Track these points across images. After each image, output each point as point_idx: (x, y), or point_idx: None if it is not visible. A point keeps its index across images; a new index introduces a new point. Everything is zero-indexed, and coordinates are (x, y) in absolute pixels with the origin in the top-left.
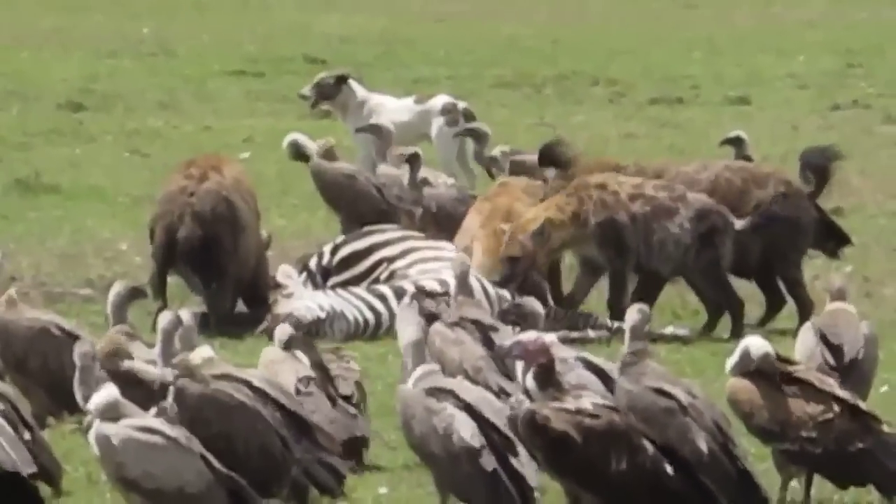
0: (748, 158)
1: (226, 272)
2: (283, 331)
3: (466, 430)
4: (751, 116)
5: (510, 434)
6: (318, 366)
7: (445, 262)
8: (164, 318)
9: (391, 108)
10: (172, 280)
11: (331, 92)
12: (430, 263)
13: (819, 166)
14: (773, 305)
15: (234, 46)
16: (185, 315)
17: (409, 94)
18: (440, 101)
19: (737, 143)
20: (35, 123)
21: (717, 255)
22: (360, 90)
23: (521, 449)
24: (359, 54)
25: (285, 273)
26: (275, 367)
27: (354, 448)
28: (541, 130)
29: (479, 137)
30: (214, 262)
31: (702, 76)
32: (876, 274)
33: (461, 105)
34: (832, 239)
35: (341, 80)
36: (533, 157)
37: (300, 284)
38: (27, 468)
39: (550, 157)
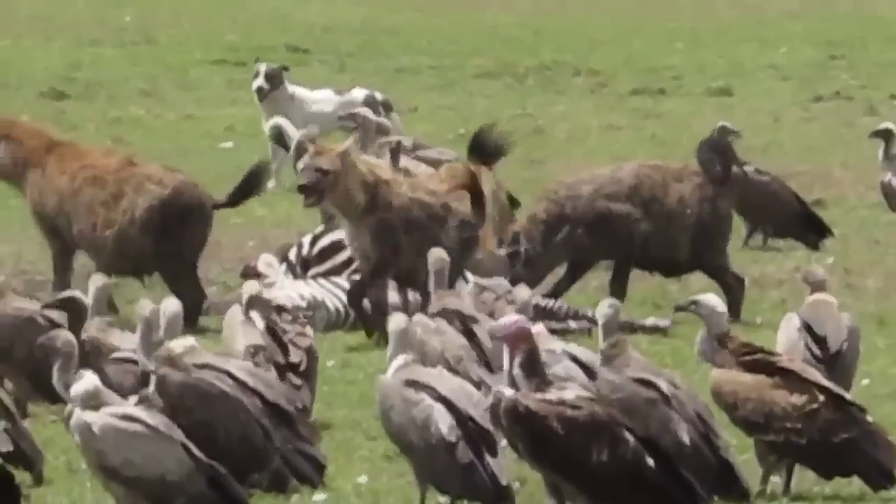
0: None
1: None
2: (249, 288)
3: (444, 423)
4: (732, 107)
5: (488, 426)
6: (271, 332)
7: None
8: (145, 307)
9: (314, 100)
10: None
11: (277, 82)
12: None
13: (717, 148)
14: (734, 294)
15: (215, 35)
16: (171, 304)
17: (389, 84)
18: (361, 93)
19: (721, 133)
20: (17, 112)
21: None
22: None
23: (499, 441)
24: (341, 43)
25: (266, 262)
26: (230, 331)
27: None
28: (523, 121)
29: (367, 128)
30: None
31: (684, 67)
32: (857, 265)
33: (380, 96)
34: (813, 231)
35: (285, 69)
36: (435, 152)
37: (281, 274)
38: (3, 446)
39: (478, 145)
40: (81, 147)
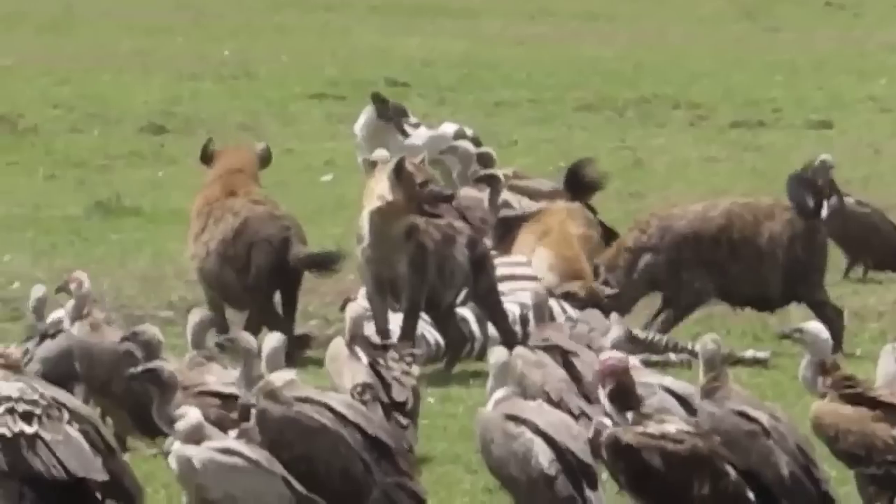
0: (832, 184)
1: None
2: (352, 311)
3: (544, 456)
4: (832, 140)
5: (588, 459)
6: (375, 370)
7: (518, 281)
8: (248, 340)
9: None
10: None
11: (386, 118)
12: (507, 283)
13: (806, 182)
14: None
15: (315, 69)
16: (273, 337)
17: (488, 118)
18: (451, 127)
19: (822, 167)
20: (116, 146)
21: (492, 282)
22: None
23: (599, 474)
24: (440, 77)
25: (364, 296)
26: (335, 365)
27: None
28: (622, 154)
29: (466, 161)
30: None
31: (783, 99)
32: None
33: (469, 132)
34: None
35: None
36: (535, 182)
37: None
38: (99, 476)
39: (574, 179)
40: (229, 179)
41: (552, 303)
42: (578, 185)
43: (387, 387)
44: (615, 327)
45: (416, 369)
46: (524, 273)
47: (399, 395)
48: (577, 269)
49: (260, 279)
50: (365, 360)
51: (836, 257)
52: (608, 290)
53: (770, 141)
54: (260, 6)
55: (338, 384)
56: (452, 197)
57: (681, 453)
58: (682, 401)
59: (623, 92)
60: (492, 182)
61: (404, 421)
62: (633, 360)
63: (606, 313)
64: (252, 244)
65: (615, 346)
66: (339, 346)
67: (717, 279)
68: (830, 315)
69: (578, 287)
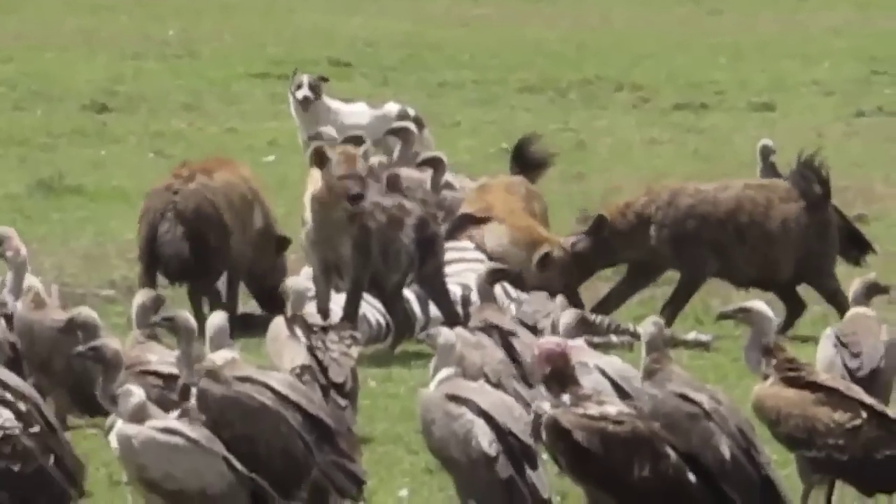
0: (773, 167)
1: (210, 272)
2: (293, 283)
3: (484, 437)
4: (775, 123)
5: (528, 440)
6: (311, 351)
7: (467, 263)
8: (186, 320)
9: (349, 112)
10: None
11: (319, 92)
12: (453, 266)
13: (809, 170)
14: (794, 312)
15: (258, 49)
16: (217, 317)
17: (431, 98)
18: (394, 107)
19: (763, 151)
20: (59, 124)
21: (439, 264)
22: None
23: (539, 455)
24: (384, 58)
25: (308, 276)
26: (276, 346)
27: None
28: (565, 135)
29: (409, 142)
30: (199, 261)
31: (726, 82)
32: None
33: (412, 111)
34: (855, 247)
35: (324, 80)
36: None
37: None
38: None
39: (521, 156)
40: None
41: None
42: (526, 162)
43: (324, 368)
44: (568, 311)
45: (355, 350)
46: (472, 256)
47: (337, 376)
48: (538, 236)
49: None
50: (304, 341)
51: None
52: (574, 239)
53: (713, 123)
54: None
55: (277, 364)
56: (361, 197)
57: (620, 435)
58: (615, 383)
59: (566, 73)
60: (434, 164)
61: (342, 402)
62: (579, 341)
63: (578, 273)
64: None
65: (567, 331)
66: (279, 326)
67: (721, 260)
68: (842, 302)
69: (550, 248)
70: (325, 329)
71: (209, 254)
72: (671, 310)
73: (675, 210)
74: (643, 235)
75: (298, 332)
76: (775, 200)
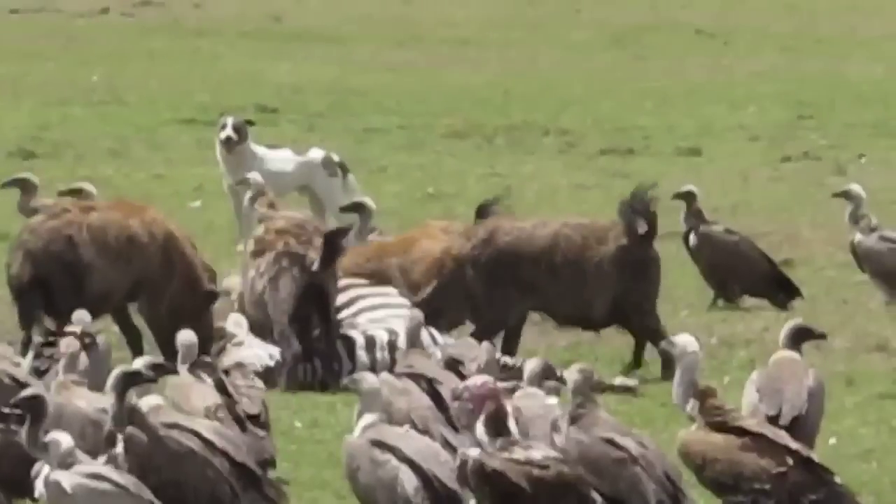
0: (699, 213)
1: (61, 312)
2: (187, 346)
3: (409, 484)
4: (701, 167)
5: (454, 486)
6: (221, 388)
7: (392, 309)
8: (114, 373)
9: (273, 158)
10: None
11: (244, 136)
12: (378, 311)
13: (641, 208)
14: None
15: (185, 95)
16: (140, 362)
17: (358, 144)
18: (318, 153)
19: (688, 197)
20: None
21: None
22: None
23: (466, 502)
24: (310, 104)
25: (236, 322)
26: (184, 391)
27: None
28: (492, 181)
29: (365, 212)
30: (50, 301)
31: (652, 127)
32: (825, 326)
33: (336, 157)
34: (782, 291)
35: (250, 123)
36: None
37: (250, 333)
38: None
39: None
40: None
41: (422, 330)
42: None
43: (236, 403)
44: (483, 353)
45: (259, 382)
46: (396, 302)
47: (251, 408)
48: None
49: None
50: (209, 380)
51: (703, 285)
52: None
53: (639, 168)
54: (130, 32)
55: (185, 409)
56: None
57: (546, 479)
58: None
59: (493, 119)
60: (360, 210)
61: (261, 433)
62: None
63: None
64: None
65: (485, 371)
66: (181, 374)
67: (534, 299)
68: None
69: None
70: (225, 371)
71: (57, 293)
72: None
73: (492, 247)
74: (462, 280)
75: (202, 374)
76: (591, 240)
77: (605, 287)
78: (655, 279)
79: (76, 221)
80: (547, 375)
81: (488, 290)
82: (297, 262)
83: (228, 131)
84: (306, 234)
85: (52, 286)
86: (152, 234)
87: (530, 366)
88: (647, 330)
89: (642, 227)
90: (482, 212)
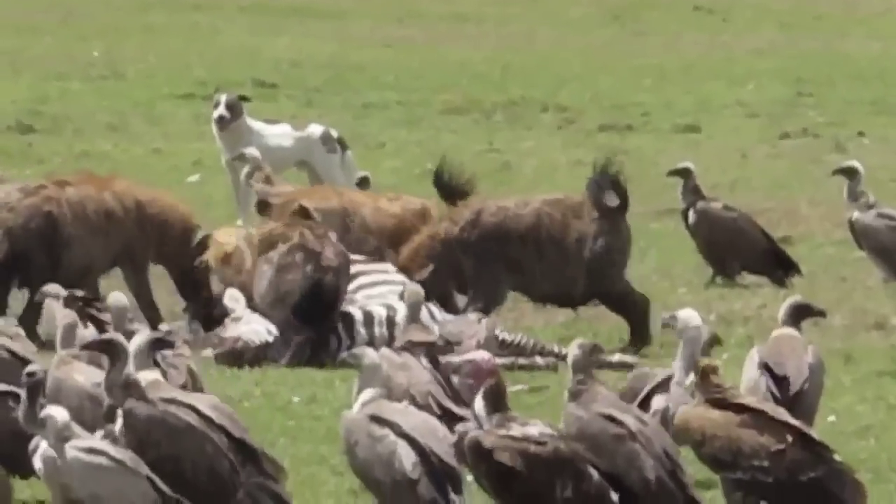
0: (697, 189)
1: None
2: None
3: (407, 459)
4: (700, 144)
5: (452, 462)
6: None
7: (391, 285)
8: (122, 343)
9: (273, 134)
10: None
11: (238, 112)
12: (377, 288)
13: (607, 181)
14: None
15: (183, 69)
16: (142, 337)
17: (356, 119)
18: (318, 128)
19: (684, 173)
20: None
21: None
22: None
23: (465, 477)
24: (308, 79)
25: (233, 297)
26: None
27: None
28: (490, 157)
29: (256, 166)
30: (26, 276)
31: (651, 104)
32: (823, 303)
33: (335, 133)
34: (780, 267)
35: (244, 99)
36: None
37: (247, 308)
38: None
39: (442, 184)
40: None
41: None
42: (447, 189)
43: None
44: (482, 329)
45: (186, 349)
46: (396, 279)
47: (177, 378)
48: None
49: None
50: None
51: (701, 262)
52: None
53: (638, 145)
54: (128, 6)
55: None
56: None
57: (542, 455)
58: None
59: (491, 95)
60: (360, 185)
61: None
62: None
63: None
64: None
65: (484, 348)
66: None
67: (519, 277)
68: (633, 302)
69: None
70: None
71: (35, 269)
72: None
73: (479, 228)
74: (450, 260)
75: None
76: (569, 216)
77: (583, 262)
78: (623, 248)
79: (54, 197)
80: (497, 345)
81: (478, 270)
82: (311, 258)
83: (221, 110)
84: (321, 227)
85: (30, 262)
86: (124, 206)
87: (480, 336)
88: (618, 294)
89: (612, 201)
90: (440, 184)
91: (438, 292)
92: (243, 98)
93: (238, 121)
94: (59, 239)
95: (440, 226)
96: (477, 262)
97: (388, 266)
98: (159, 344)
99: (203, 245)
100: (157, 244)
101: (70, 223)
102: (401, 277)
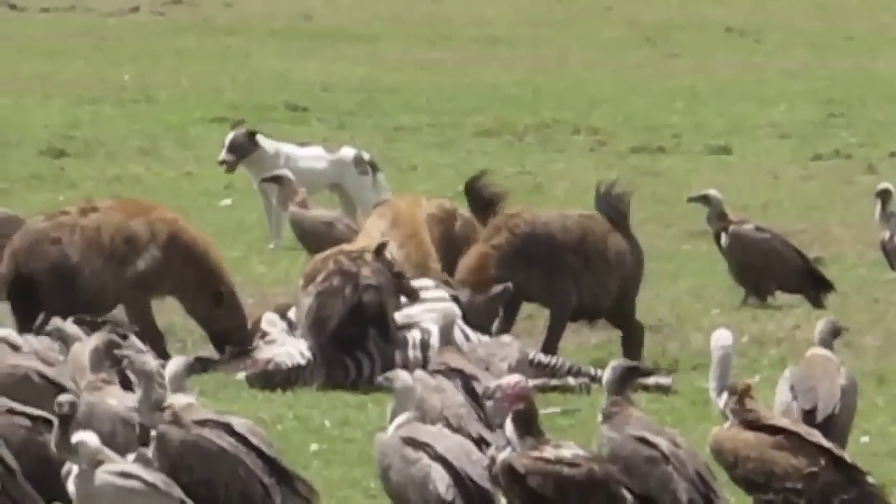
0: (722, 215)
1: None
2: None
3: (441, 482)
4: (732, 166)
5: (486, 484)
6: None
7: (428, 303)
8: (147, 363)
9: (304, 157)
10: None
11: (247, 149)
12: (413, 308)
13: (609, 203)
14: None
15: (215, 93)
16: (177, 361)
17: (388, 142)
18: (350, 152)
19: (704, 200)
20: (16, 170)
21: None
22: (268, 142)
23: (497, 500)
24: (340, 102)
25: (269, 320)
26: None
27: None
28: (522, 179)
29: (289, 188)
30: (29, 300)
31: (683, 125)
32: (856, 324)
33: (367, 156)
34: (815, 286)
35: (252, 134)
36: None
37: (283, 331)
38: None
39: (474, 194)
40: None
41: (455, 327)
42: (479, 199)
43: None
44: (514, 352)
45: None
46: (434, 295)
47: None
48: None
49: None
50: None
51: (733, 283)
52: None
53: (669, 166)
54: (160, 30)
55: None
56: None
57: (576, 478)
58: None
59: (523, 117)
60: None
61: None
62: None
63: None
64: None
65: (516, 370)
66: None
67: (576, 289)
68: (635, 322)
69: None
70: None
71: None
72: (552, 346)
73: (537, 240)
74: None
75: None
76: (605, 230)
77: (619, 276)
78: (643, 267)
79: (69, 224)
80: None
81: (549, 281)
82: (349, 280)
83: (223, 154)
84: (356, 251)
85: (35, 284)
86: (154, 234)
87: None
88: (629, 316)
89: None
90: (472, 195)
91: (507, 305)
92: (251, 133)
93: (256, 152)
94: (68, 263)
95: (500, 237)
96: (546, 273)
97: (427, 282)
98: (196, 366)
99: (217, 301)
100: (178, 278)
101: (79, 249)
102: (440, 293)
